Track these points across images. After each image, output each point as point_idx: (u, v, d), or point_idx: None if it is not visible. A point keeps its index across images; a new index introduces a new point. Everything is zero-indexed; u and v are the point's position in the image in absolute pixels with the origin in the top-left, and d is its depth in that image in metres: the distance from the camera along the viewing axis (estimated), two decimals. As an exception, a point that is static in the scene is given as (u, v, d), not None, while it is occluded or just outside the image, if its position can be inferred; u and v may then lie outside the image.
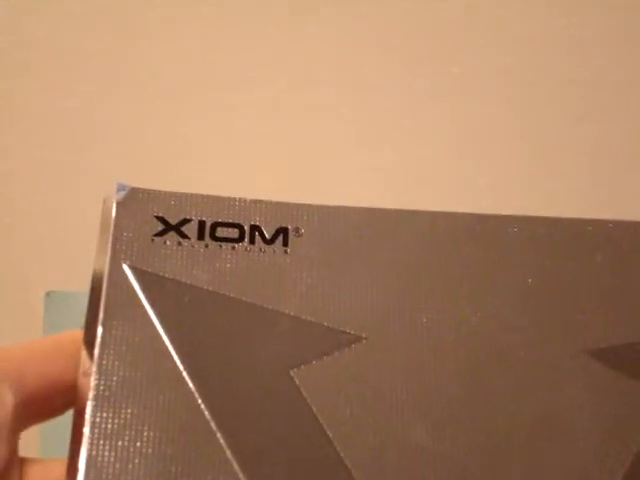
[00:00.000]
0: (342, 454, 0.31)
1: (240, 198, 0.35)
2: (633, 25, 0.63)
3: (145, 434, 0.30)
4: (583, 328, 0.34)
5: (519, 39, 0.63)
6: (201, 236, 0.34)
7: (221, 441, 0.30)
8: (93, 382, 0.31)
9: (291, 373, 0.32)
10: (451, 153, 0.64)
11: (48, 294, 0.58)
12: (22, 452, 0.32)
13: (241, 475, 0.30)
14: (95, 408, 0.30)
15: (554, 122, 0.63)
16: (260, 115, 0.64)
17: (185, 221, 0.34)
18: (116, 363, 0.31)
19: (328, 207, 0.35)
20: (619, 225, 0.36)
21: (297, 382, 0.32)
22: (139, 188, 0.35)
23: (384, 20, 0.64)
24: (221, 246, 0.34)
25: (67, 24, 0.68)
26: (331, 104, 0.63)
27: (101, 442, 0.30)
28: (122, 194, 0.34)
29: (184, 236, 0.34)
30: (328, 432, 0.31)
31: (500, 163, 0.64)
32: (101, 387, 0.31)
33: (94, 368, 0.31)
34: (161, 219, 0.34)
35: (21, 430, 0.31)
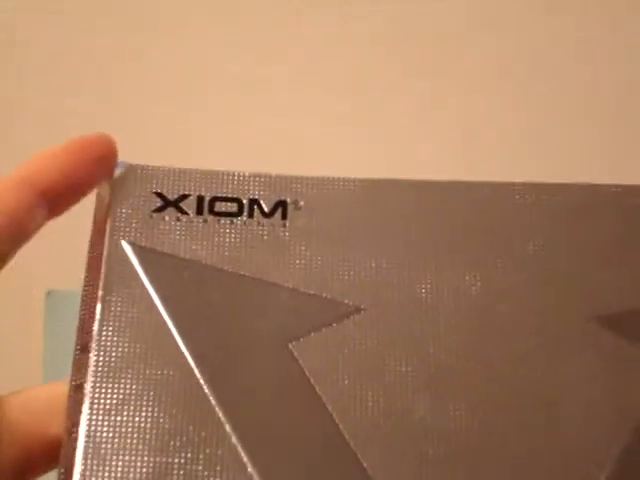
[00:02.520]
0: (341, 427, 0.31)
1: (238, 172, 0.35)
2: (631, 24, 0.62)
3: (144, 409, 0.30)
4: (589, 295, 0.33)
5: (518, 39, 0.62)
6: (200, 211, 0.34)
7: (220, 415, 0.30)
8: (92, 358, 0.31)
9: (290, 346, 0.32)
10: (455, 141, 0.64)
11: (48, 293, 0.59)
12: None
13: (240, 449, 0.30)
14: (94, 384, 0.31)
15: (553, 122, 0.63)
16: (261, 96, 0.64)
17: (183, 197, 0.34)
18: (115, 339, 0.31)
19: (327, 179, 0.35)
20: (627, 190, 0.35)
21: (296, 355, 0.32)
22: (137, 165, 0.35)
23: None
24: (220, 221, 0.34)
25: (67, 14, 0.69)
26: (333, 84, 0.63)
27: (100, 418, 0.30)
28: (120, 171, 0.35)
29: (183, 212, 0.34)
30: (327, 405, 0.31)
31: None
32: (100, 363, 0.31)
33: (94, 344, 0.31)
34: (159, 195, 0.34)
35: None
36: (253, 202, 0.34)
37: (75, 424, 0.30)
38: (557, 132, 0.63)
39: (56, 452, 0.30)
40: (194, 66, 0.67)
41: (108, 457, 0.29)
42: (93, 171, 0.33)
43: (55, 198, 0.32)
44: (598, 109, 0.63)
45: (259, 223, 0.34)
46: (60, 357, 0.58)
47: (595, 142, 0.62)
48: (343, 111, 0.62)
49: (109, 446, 0.30)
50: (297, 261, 0.33)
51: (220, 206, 0.34)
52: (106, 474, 0.29)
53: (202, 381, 0.31)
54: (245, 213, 0.34)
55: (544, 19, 0.63)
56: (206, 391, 0.31)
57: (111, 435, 0.30)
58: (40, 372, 0.58)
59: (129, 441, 0.30)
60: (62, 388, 0.31)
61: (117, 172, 0.35)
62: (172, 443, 0.30)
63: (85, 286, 0.33)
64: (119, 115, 0.65)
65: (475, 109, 0.63)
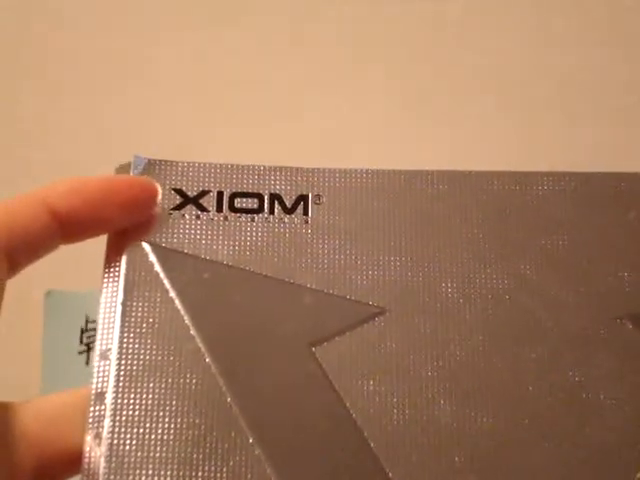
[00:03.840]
0: (365, 434, 0.30)
1: (258, 166, 0.34)
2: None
3: (167, 420, 0.30)
4: (617, 292, 0.32)
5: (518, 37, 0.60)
6: (220, 208, 0.33)
7: (243, 425, 0.30)
8: (114, 365, 0.31)
9: (313, 350, 0.31)
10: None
11: (48, 293, 0.59)
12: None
13: (264, 460, 0.30)
14: (116, 394, 0.30)
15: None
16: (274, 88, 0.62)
17: (203, 193, 0.34)
18: (137, 346, 0.31)
19: (349, 170, 0.34)
20: None
21: (319, 359, 0.31)
22: (155, 160, 0.34)
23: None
24: (240, 217, 0.33)
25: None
26: (349, 72, 0.61)
27: (122, 430, 0.30)
28: (139, 168, 0.34)
29: (203, 209, 0.33)
30: (351, 411, 0.31)
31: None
32: (122, 371, 0.31)
33: (115, 351, 0.31)
34: (179, 192, 0.34)
35: None
36: (274, 197, 0.34)
37: (98, 435, 0.30)
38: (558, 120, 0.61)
39: (72, 459, 0.30)
40: (201, 58, 0.65)
41: (132, 470, 0.29)
42: (121, 213, 0.32)
43: (72, 226, 0.31)
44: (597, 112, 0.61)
45: (281, 219, 0.33)
46: (59, 357, 0.58)
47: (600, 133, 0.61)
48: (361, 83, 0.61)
49: (132, 459, 0.30)
50: (320, 261, 0.33)
51: (241, 202, 0.34)
52: None
53: (225, 388, 0.31)
54: (266, 209, 0.34)
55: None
56: (229, 399, 0.31)
57: (134, 447, 0.30)
58: (38, 372, 0.58)
59: (152, 454, 0.30)
60: (75, 395, 0.31)
61: (135, 168, 0.34)
62: (196, 455, 0.30)
63: (104, 289, 0.32)
64: (124, 110, 0.63)
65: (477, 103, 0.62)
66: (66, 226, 0.31)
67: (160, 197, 0.33)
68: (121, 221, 0.32)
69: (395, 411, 0.31)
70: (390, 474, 0.30)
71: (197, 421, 0.30)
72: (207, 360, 0.31)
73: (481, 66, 0.60)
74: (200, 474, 0.29)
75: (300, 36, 0.62)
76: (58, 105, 0.65)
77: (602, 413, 0.31)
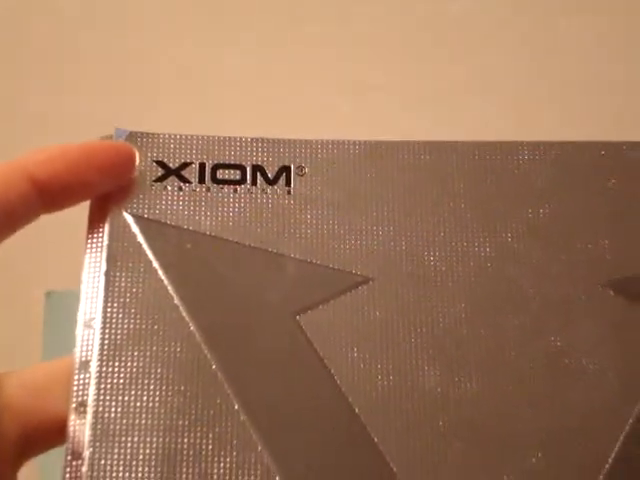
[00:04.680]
0: (350, 399, 0.31)
1: (241, 137, 0.34)
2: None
3: (152, 387, 0.30)
4: (598, 259, 0.33)
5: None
6: (202, 179, 0.33)
7: (229, 391, 0.30)
8: (98, 335, 0.31)
9: (297, 318, 0.31)
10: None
11: (48, 294, 0.58)
12: None
13: (249, 425, 0.30)
14: (101, 362, 0.30)
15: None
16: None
17: (185, 165, 0.34)
18: (120, 315, 0.31)
19: (331, 142, 0.34)
20: (635, 146, 0.35)
21: (304, 327, 0.31)
22: (137, 132, 0.34)
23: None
24: (223, 189, 0.33)
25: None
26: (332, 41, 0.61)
27: (107, 398, 0.30)
28: (120, 139, 0.34)
29: (185, 180, 0.33)
30: (336, 378, 0.31)
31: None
32: (106, 340, 0.31)
33: (99, 320, 0.31)
34: (160, 163, 0.34)
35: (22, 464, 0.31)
36: (256, 168, 0.34)
37: (82, 404, 0.30)
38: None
39: (58, 428, 0.30)
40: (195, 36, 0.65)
41: (117, 437, 0.29)
42: (101, 177, 0.32)
43: (53, 193, 0.31)
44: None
45: (263, 190, 0.33)
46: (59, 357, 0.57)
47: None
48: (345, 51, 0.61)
49: (117, 427, 0.29)
50: (303, 230, 0.33)
51: (223, 173, 0.34)
52: (115, 455, 0.29)
53: (210, 356, 0.31)
54: (248, 180, 0.34)
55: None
56: (214, 366, 0.31)
57: (119, 415, 0.30)
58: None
59: (137, 421, 0.30)
60: (60, 364, 0.31)
61: (116, 140, 0.34)
62: (181, 422, 0.30)
63: (87, 259, 0.32)
64: (120, 106, 0.63)
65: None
66: (46, 194, 0.31)
67: (138, 161, 0.33)
68: (101, 185, 0.32)
69: (379, 377, 0.31)
70: (375, 439, 0.30)
71: (182, 388, 0.30)
72: (191, 328, 0.31)
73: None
74: (186, 440, 0.29)
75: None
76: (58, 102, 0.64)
77: (584, 379, 0.31)
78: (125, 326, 0.31)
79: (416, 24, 0.57)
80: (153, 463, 0.29)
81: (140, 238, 0.32)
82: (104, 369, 0.30)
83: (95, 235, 0.32)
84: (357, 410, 0.30)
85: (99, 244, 0.32)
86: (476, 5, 0.57)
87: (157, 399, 0.30)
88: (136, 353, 0.30)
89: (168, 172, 0.33)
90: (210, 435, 0.29)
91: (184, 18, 0.67)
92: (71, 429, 0.29)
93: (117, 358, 0.30)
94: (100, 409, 0.30)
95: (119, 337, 0.31)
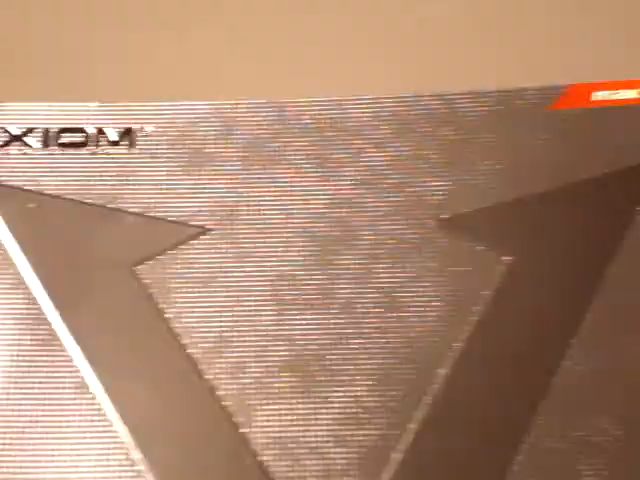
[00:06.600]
0: (185, 342, 0.31)
1: (84, 104, 0.35)
2: None
3: None
4: (427, 200, 0.34)
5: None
6: (46, 144, 0.34)
7: (72, 342, 0.31)
8: None
9: (135, 270, 0.32)
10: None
11: None
12: None
13: (90, 373, 0.31)
14: None
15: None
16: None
17: (29, 130, 0.35)
18: None
19: (176, 104, 0.36)
20: (464, 98, 0.36)
21: (142, 278, 0.32)
22: (-19, 102, 0.35)
23: None
24: (67, 151, 0.34)
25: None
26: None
27: None
28: (-36, 109, 0.35)
29: (29, 145, 0.34)
30: (174, 325, 0.32)
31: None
32: None
33: None
34: (3, 130, 0.35)
35: None
36: (100, 131, 0.35)
37: None
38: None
39: None
40: None
41: None
42: None
43: None
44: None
45: (106, 152, 0.34)
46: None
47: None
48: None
49: None
50: (144, 187, 0.34)
51: (67, 137, 0.35)
52: None
53: (53, 307, 0.32)
54: (92, 143, 0.35)
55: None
56: (52, 317, 0.31)
57: None
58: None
59: None
60: None
61: (-38, 111, 0.35)
62: (14, 372, 0.30)
63: None
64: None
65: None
66: None
67: None
68: None
69: (216, 319, 0.32)
70: (206, 376, 0.31)
71: (17, 339, 0.31)
72: (33, 281, 0.32)
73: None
74: (20, 386, 0.30)
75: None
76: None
77: (414, 311, 0.32)
78: None
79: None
80: None
81: (-17, 201, 0.33)
82: None
83: None
84: (192, 352, 0.31)
85: None
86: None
87: None
88: None
89: (12, 138, 0.34)
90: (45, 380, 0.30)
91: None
92: None
93: None
94: None
95: None
